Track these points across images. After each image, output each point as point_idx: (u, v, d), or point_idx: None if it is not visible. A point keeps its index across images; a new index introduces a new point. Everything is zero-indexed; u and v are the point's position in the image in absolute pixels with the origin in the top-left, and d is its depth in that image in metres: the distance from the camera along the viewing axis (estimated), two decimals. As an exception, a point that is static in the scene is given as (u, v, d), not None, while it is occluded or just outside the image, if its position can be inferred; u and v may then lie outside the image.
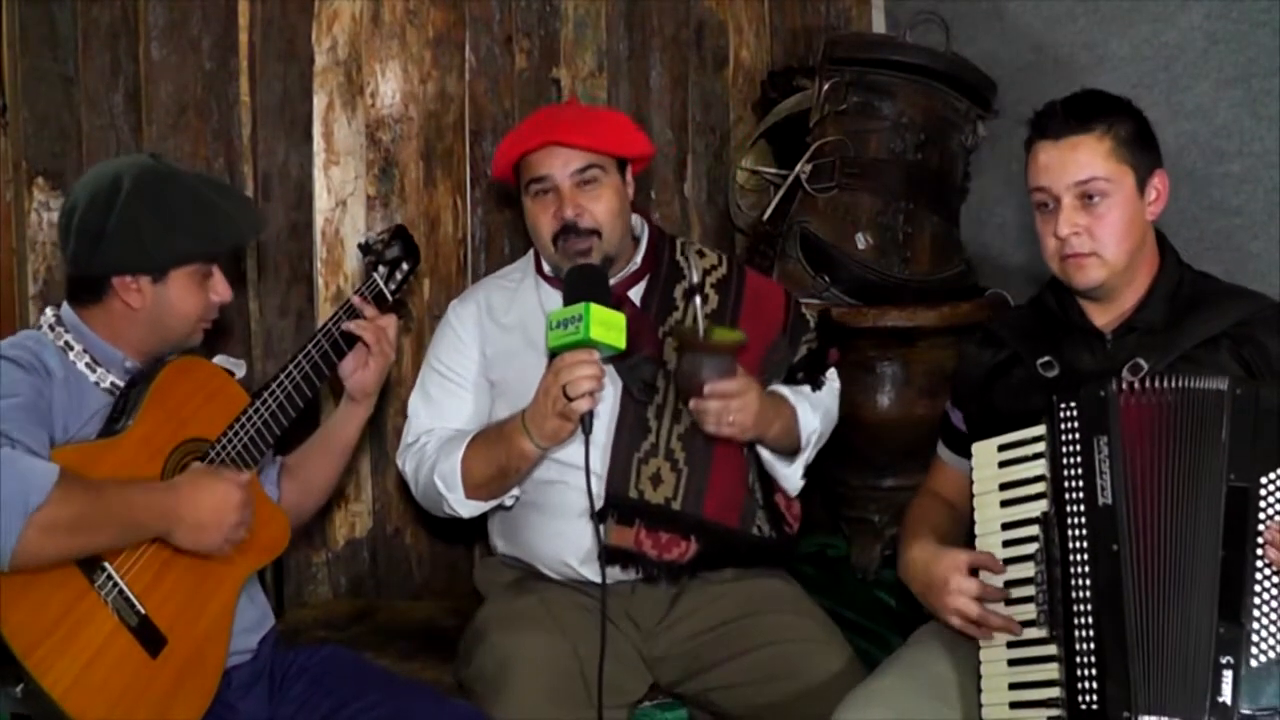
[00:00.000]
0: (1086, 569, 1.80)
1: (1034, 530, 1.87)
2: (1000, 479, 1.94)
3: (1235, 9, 2.54)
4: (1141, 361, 1.94)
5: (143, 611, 1.85)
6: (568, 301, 2.09)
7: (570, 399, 2.04)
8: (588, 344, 2.03)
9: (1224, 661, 1.71)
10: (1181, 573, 1.75)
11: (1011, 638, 1.88)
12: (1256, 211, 2.54)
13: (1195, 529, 1.76)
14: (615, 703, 2.17)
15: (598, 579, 2.14)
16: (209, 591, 1.95)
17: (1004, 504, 1.93)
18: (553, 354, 2.10)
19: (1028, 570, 1.87)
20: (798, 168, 2.91)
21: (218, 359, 2.11)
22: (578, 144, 2.27)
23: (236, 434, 2.02)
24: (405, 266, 2.35)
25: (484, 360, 2.40)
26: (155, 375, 1.95)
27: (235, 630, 2.00)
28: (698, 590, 2.31)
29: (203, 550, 1.91)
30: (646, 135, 2.55)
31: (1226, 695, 1.70)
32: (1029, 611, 1.86)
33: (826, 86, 2.91)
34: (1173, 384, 1.82)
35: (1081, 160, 1.93)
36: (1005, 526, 1.92)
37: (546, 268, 2.40)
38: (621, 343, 2.06)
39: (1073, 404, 1.85)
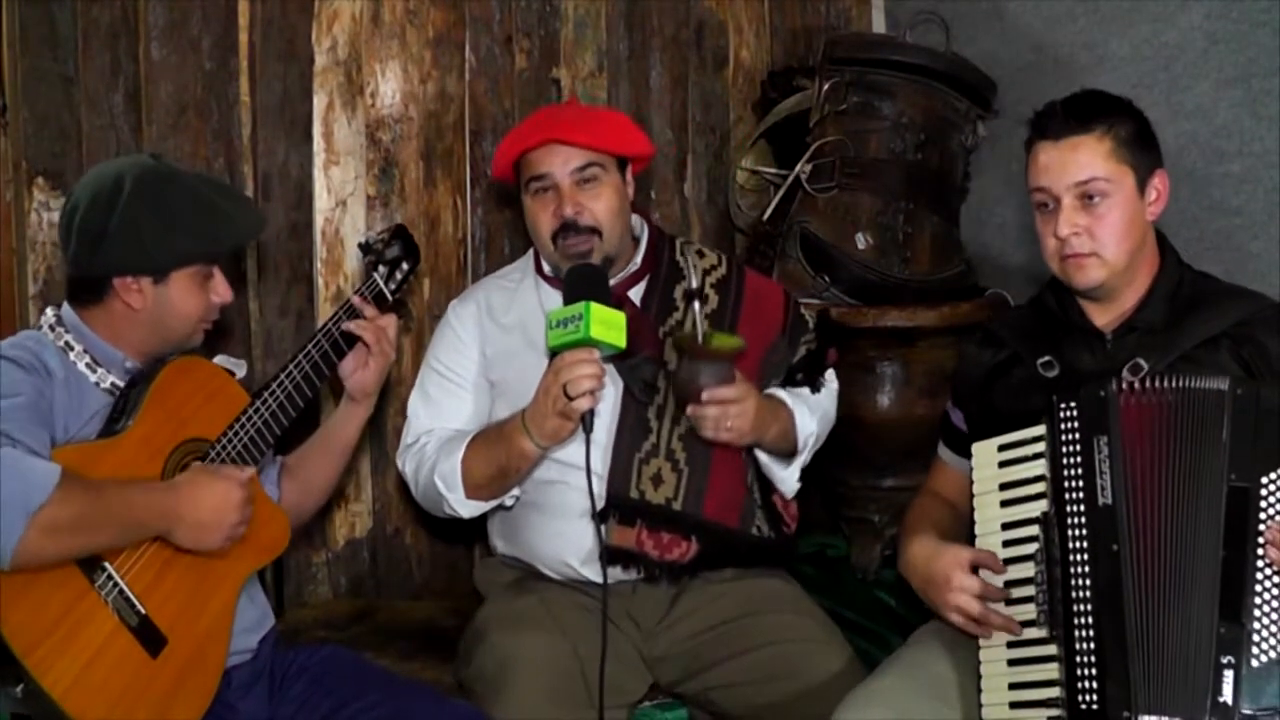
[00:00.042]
0: (1086, 569, 1.80)
1: (1034, 530, 1.87)
2: (1000, 479, 1.94)
3: (1235, 9, 2.54)
4: (1142, 361, 1.94)
5: (143, 611, 1.85)
6: (568, 301, 2.09)
7: (571, 398, 2.04)
8: (588, 343, 2.04)
9: (1225, 661, 1.71)
10: (1182, 573, 1.75)
11: (1011, 637, 1.88)
12: (1256, 211, 2.54)
13: (1196, 529, 1.76)
14: (615, 703, 2.16)
15: (598, 579, 2.14)
16: (209, 591, 1.95)
17: (1004, 504, 1.93)
18: (553, 353, 2.10)
19: (1028, 570, 1.87)
20: (798, 168, 2.91)
21: (218, 359, 2.11)
22: (578, 142, 2.27)
23: (237, 434, 2.02)
24: (405, 266, 2.35)
25: (484, 360, 2.40)
26: (155, 375, 1.95)
27: (235, 630, 2.00)
28: (698, 590, 2.31)
29: (203, 549, 1.91)
30: (646, 135, 2.55)
31: (1227, 695, 1.70)
32: (1029, 611, 1.86)
33: (826, 86, 2.91)
34: (1173, 384, 1.82)
35: (1082, 160, 1.93)
36: (1005, 526, 1.92)
37: (546, 267, 2.40)
38: (622, 342, 2.06)
39: (1073, 404, 1.85)
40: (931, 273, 2.93)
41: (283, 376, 2.11)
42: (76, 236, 1.95)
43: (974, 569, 1.93)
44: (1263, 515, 1.75)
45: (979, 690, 1.91)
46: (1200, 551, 1.75)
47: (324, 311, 2.82)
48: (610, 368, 2.18)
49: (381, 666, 2.25)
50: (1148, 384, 1.84)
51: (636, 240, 2.43)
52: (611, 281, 2.26)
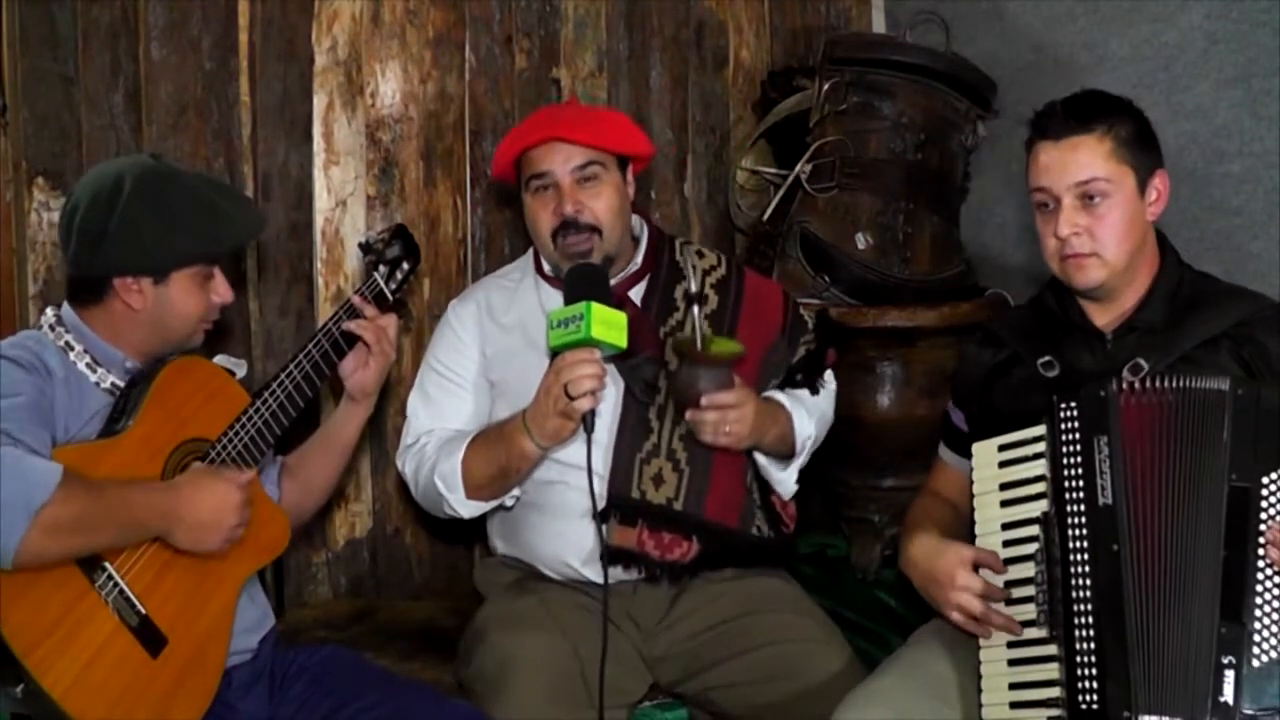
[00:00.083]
0: (1086, 569, 1.80)
1: (1034, 530, 1.88)
2: (1000, 479, 1.94)
3: (1235, 9, 2.54)
4: (1142, 361, 1.94)
5: (143, 611, 1.85)
6: (569, 301, 2.09)
7: (572, 398, 2.04)
8: (589, 343, 2.03)
9: (1226, 661, 1.71)
10: (1182, 573, 1.75)
11: (1011, 637, 1.88)
12: (1256, 211, 2.54)
13: (1196, 529, 1.76)
14: (615, 703, 2.16)
15: (599, 579, 2.14)
16: (209, 591, 1.95)
17: (1004, 504, 1.93)
18: (554, 353, 2.10)
19: (1028, 570, 1.88)
20: (798, 168, 2.91)
21: (218, 359, 2.11)
22: (579, 140, 2.27)
23: (237, 434, 2.02)
24: (406, 266, 2.35)
25: (484, 360, 2.40)
26: (155, 375, 1.95)
27: (236, 630, 2.00)
28: (698, 590, 2.31)
29: (201, 551, 1.91)
30: (647, 135, 2.55)
31: (1228, 695, 1.70)
32: (1029, 611, 1.86)
33: (826, 86, 2.91)
34: (1173, 384, 1.82)
35: (1082, 161, 1.93)
36: (1005, 526, 1.92)
37: (546, 267, 2.40)
38: (623, 342, 2.06)
39: (1073, 404, 1.85)
40: (931, 273, 2.93)
41: (283, 376, 2.11)
42: (76, 236, 1.95)
43: (975, 568, 1.93)
44: (1263, 515, 1.75)
45: (979, 690, 1.91)
46: (1201, 551, 1.76)
47: (324, 311, 2.82)
48: (611, 368, 2.18)
49: (381, 667, 2.25)
50: (1148, 384, 1.84)
51: (636, 240, 2.43)
52: (612, 281, 2.26)
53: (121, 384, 1.96)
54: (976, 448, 1.98)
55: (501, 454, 2.20)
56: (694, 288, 2.26)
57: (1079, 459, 1.83)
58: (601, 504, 2.18)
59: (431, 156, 2.95)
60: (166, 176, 2.00)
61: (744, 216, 3.22)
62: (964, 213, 3.10)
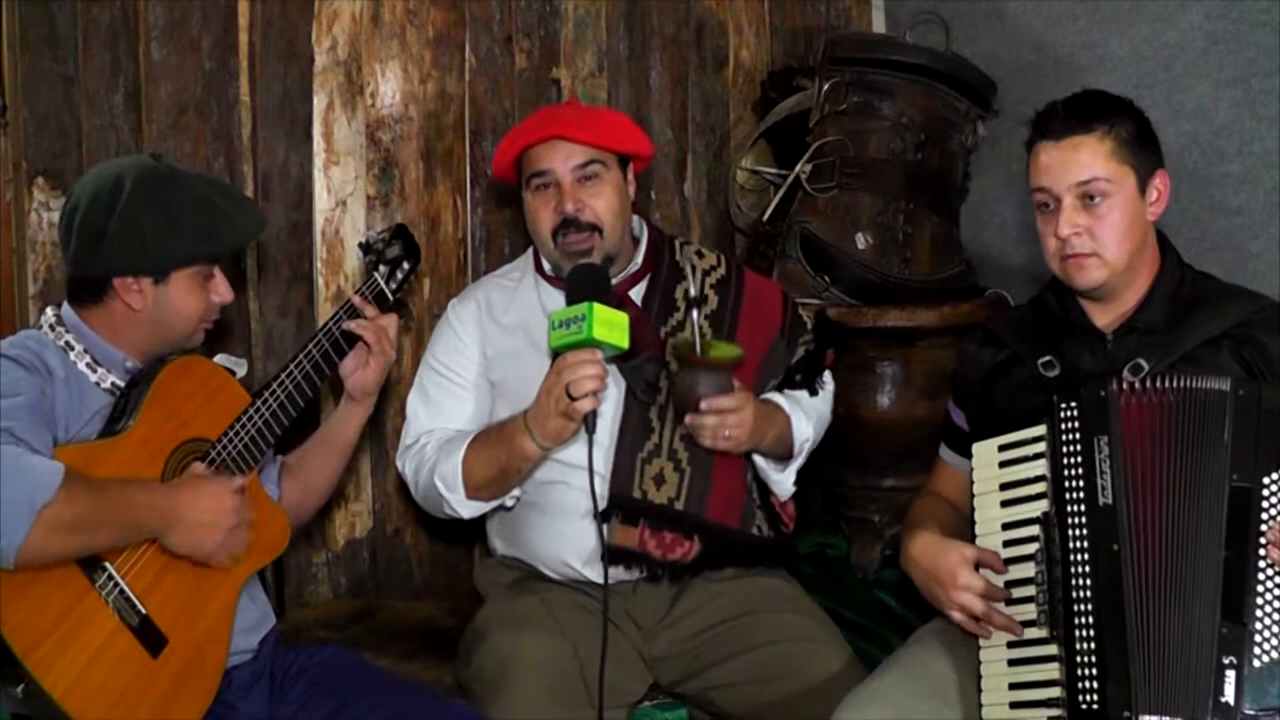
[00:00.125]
0: (1087, 569, 1.80)
1: (1034, 530, 1.88)
2: (1001, 479, 1.94)
3: (1235, 9, 2.54)
4: (1142, 362, 1.94)
5: (143, 611, 1.85)
6: (570, 301, 2.08)
7: (573, 398, 2.04)
8: (591, 344, 2.03)
9: (1227, 662, 1.71)
10: (1183, 573, 1.75)
11: (1012, 637, 1.88)
12: (1256, 211, 2.54)
13: (1197, 529, 1.76)
14: (615, 703, 2.16)
15: (600, 579, 2.14)
16: (210, 591, 1.95)
17: (1004, 504, 1.93)
18: (555, 354, 2.10)
19: (1028, 570, 1.88)
20: (798, 168, 2.91)
21: (218, 358, 2.11)
22: (580, 139, 2.27)
23: (237, 434, 2.02)
24: (406, 266, 2.35)
25: (484, 360, 2.39)
26: (156, 375, 1.95)
27: (236, 630, 2.00)
28: (698, 589, 2.31)
29: (199, 555, 1.90)
30: (647, 135, 2.55)
31: (1229, 695, 1.70)
32: (1029, 611, 1.86)
33: (826, 86, 2.91)
34: (1174, 384, 1.82)
35: (1083, 161, 1.93)
36: (1006, 526, 1.92)
37: (546, 266, 2.40)
38: (625, 342, 2.06)
39: (1073, 404, 1.85)
40: (931, 273, 2.93)
41: (283, 376, 2.11)
42: (76, 236, 1.95)
43: (976, 567, 1.93)
44: (1264, 516, 1.75)
45: (979, 690, 1.91)
46: (1201, 552, 1.75)
47: (324, 311, 2.82)
48: (612, 368, 2.18)
49: (382, 667, 2.25)
50: (1148, 384, 1.84)
51: (636, 241, 2.43)
52: (612, 281, 2.26)
53: (122, 384, 1.96)
54: (977, 448, 1.98)
55: (502, 454, 2.20)
56: (694, 291, 2.26)
57: (1079, 459, 1.83)
58: (603, 504, 2.19)
59: (431, 156, 2.95)
60: (166, 176, 2.00)
61: (744, 216, 3.22)
62: (964, 213, 3.10)
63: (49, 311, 2.00)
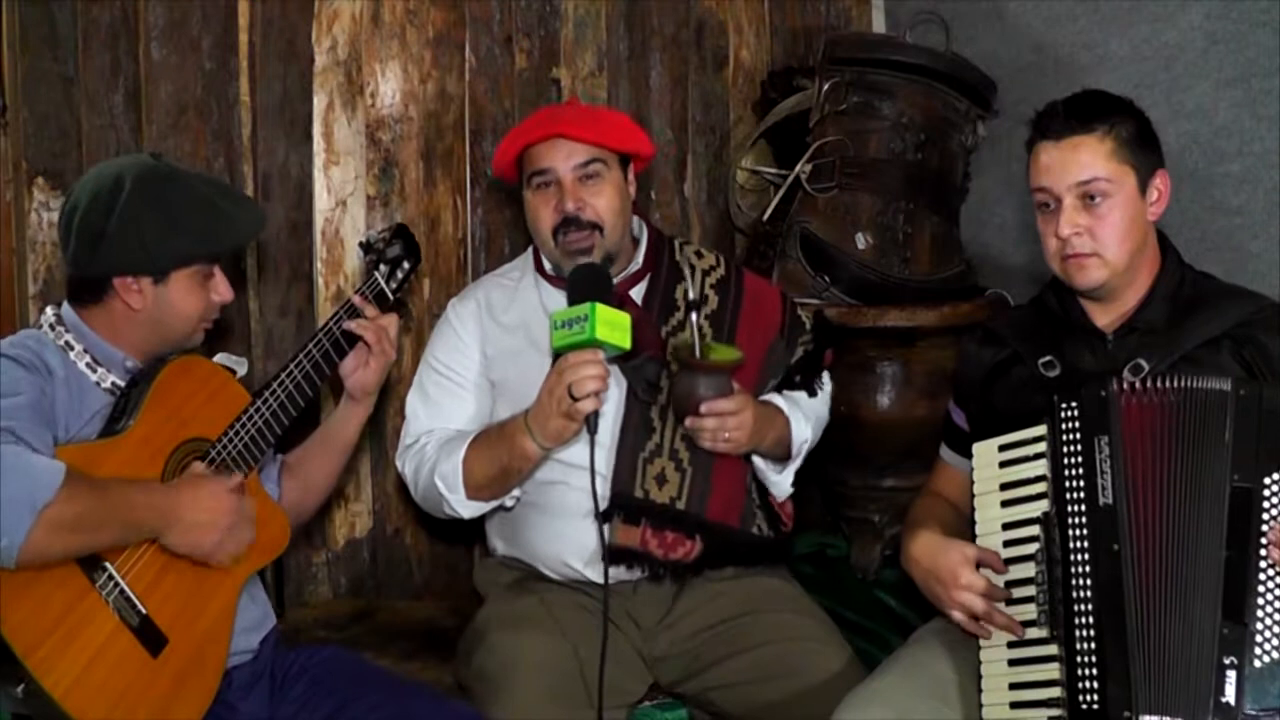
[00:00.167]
0: (1087, 569, 1.80)
1: (1035, 530, 1.87)
2: (1001, 479, 1.94)
3: (1235, 9, 2.54)
4: (1143, 362, 1.94)
5: (144, 611, 1.85)
6: (572, 301, 2.08)
7: (575, 399, 2.04)
8: (593, 344, 2.03)
9: (1228, 662, 1.71)
10: (1183, 573, 1.75)
11: (1012, 637, 1.88)
12: (1256, 211, 2.54)
13: (1197, 529, 1.76)
14: (615, 703, 2.16)
15: (601, 579, 2.14)
16: (210, 591, 1.95)
17: (1005, 504, 1.93)
18: (557, 354, 2.10)
19: (1028, 570, 1.87)
20: (798, 168, 2.91)
21: (219, 357, 2.10)
22: (581, 137, 2.28)
23: (237, 433, 2.02)
24: (406, 265, 2.35)
25: (485, 360, 2.39)
26: (156, 375, 1.95)
27: (236, 630, 2.00)
28: (698, 589, 2.31)
29: (198, 554, 1.90)
30: (647, 135, 2.55)
31: (1230, 695, 1.70)
32: (1029, 611, 1.86)
33: (826, 86, 2.91)
34: (1175, 384, 1.82)
35: (1083, 160, 1.93)
36: (1006, 526, 1.92)
37: (547, 265, 2.40)
38: (627, 343, 2.05)
39: (1074, 404, 1.85)
40: (931, 273, 2.93)
41: (283, 376, 2.11)
42: (76, 236, 1.94)
43: (977, 567, 1.93)
44: (1266, 516, 1.74)
45: (979, 690, 1.91)
46: (1202, 552, 1.75)
47: (324, 311, 2.82)
48: (613, 368, 2.18)
49: (382, 667, 2.25)
50: (1149, 384, 1.84)
51: (636, 241, 2.43)
52: (613, 281, 2.26)
53: (122, 383, 1.96)
54: (977, 448, 1.98)
55: (503, 454, 2.20)
56: (693, 295, 2.26)
57: (1079, 459, 1.83)
58: (604, 504, 2.19)
59: (431, 156, 2.95)
60: (166, 176, 2.00)
61: (744, 216, 3.22)
62: (964, 213, 3.10)
63: (49, 311, 1.99)
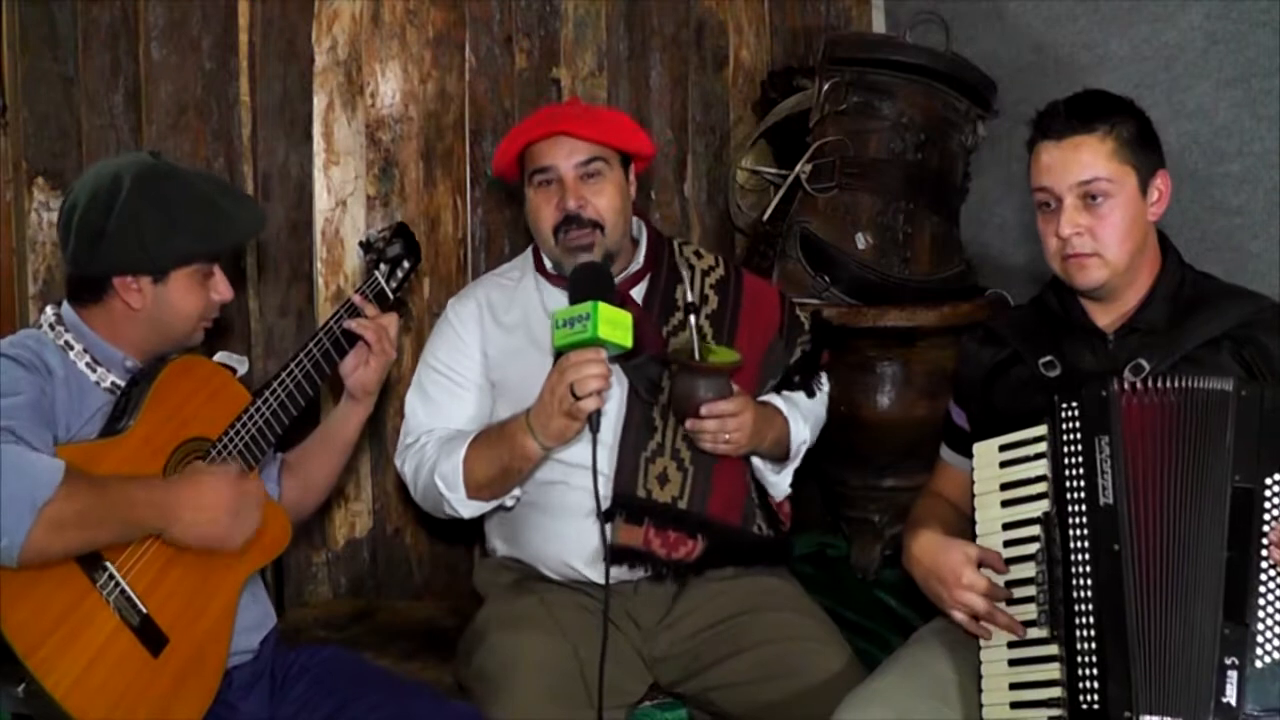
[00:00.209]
0: (1087, 569, 1.80)
1: (1035, 530, 1.87)
2: (1001, 479, 1.94)
3: (1235, 9, 2.54)
4: (1143, 362, 1.94)
5: (144, 611, 1.85)
6: (573, 300, 2.08)
7: (578, 398, 2.03)
8: (595, 343, 2.03)
9: (1229, 662, 1.71)
10: (1184, 573, 1.75)
11: (1012, 637, 1.88)
12: (1256, 211, 2.54)
13: (1198, 530, 1.76)
14: (615, 703, 2.16)
15: (602, 579, 2.13)
16: (211, 591, 1.95)
17: (1005, 504, 1.93)
18: (558, 352, 2.09)
19: (1029, 570, 1.87)
20: (798, 168, 2.91)
21: (219, 355, 2.10)
22: (584, 135, 2.28)
23: (238, 433, 2.02)
24: (406, 264, 2.34)
25: (485, 360, 2.39)
26: (157, 375, 1.95)
27: (238, 629, 2.00)
28: (698, 589, 2.31)
29: (212, 545, 1.90)
30: (647, 135, 2.55)
31: (1231, 696, 1.70)
32: (1030, 611, 1.86)
33: (826, 86, 2.91)
34: (1176, 384, 1.82)
35: (1084, 160, 1.93)
36: (1006, 526, 1.92)
37: (548, 264, 2.40)
38: (629, 341, 2.05)
39: (1074, 404, 1.85)
40: (931, 273, 2.93)
41: (284, 375, 2.11)
42: (75, 235, 1.94)
43: (978, 566, 1.93)
44: (1267, 517, 1.74)
45: (979, 690, 1.91)
46: (1203, 552, 1.75)
47: (324, 311, 2.82)
48: (615, 367, 2.18)
49: (382, 667, 2.25)
50: (1150, 384, 1.84)
51: (635, 241, 2.43)
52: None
53: (122, 383, 1.96)
54: (977, 447, 1.98)
55: (504, 454, 2.20)
56: (690, 298, 2.26)
57: (1080, 459, 1.83)
58: (606, 503, 2.19)
59: (431, 156, 2.95)
60: (165, 174, 1.99)
61: (744, 216, 3.22)
62: (964, 213, 3.10)
63: (49, 311, 1.99)
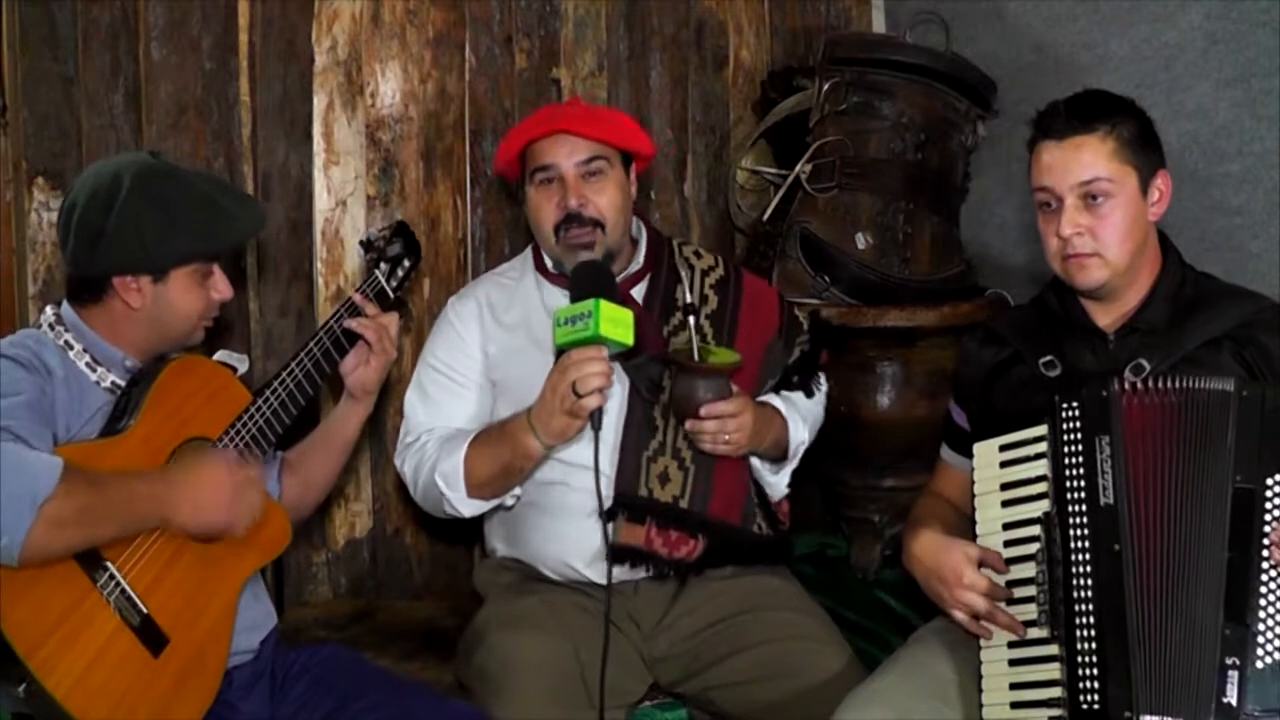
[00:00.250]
0: (1087, 569, 1.80)
1: (1035, 530, 1.87)
2: (1002, 479, 1.94)
3: (1235, 9, 2.54)
4: (1144, 362, 1.94)
5: (145, 611, 1.85)
6: (575, 298, 2.08)
7: (580, 396, 2.03)
8: (597, 341, 2.02)
9: (1230, 662, 1.71)
10: (1185, 573, 1.75)
11: (1013, 637, 1.88)
12: (1256, 211, 2.54)
13: (1199, 530, 1.76)
14: (615, 703, 2.16)
15: (603, 579, 2.13)
16: (211, 590, 1.95)
17: (1005, 504, 1.93)
18: (560, 351, 2.09)
19: (1029, 570, 1.87)
20: (798, 168, 2.91)
21: (220, 354, 2.10)
22: (585, 134, 2.28)
23: (239, 433, 2.02)
24: (406, 264, 2.35)
25: (486, 360, 2.39)
26: (157, 374, 1.95)
27: (238, 629, 2.00)
28: (698, 588, 2.31)
29: (217, 532, 1.90)
30: (647, 135, 2.56)
31: (1232, 696, 1.70)
32: (1030, 611, 1.86)
33: (826, 86, 2.91)
34: (1176, 385, 1.82)
35: (1085, 160, 1.93)
36: (1007, 526, 1.92)
37: (548, 263, 2.40)
38: (630, 339, 2.05)
39: (1075, 404, 1.85)
40: (931, 273, 2.93)
41: (284, 375, 2.11)
42: (75, 235, 1.94)
43: (979, 566, 1.93)
44: (1268, 517, 1.74)
45: (980, 690, 1.91)
46: (1204, 552, 1.75)
47: (324, 311, 2.82)
48: (616, 366, 2.18)
49: (382, 667, 2.25)
50: (1150, 384, 1.84)
51: (635, 241, 2.43)
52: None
53: (122, 383, 1.96)
54: (978, 447, 1.98)
55: (505, 453, 2.19)
56: (689, 299, 2.26)
57: (1080, 459, 1.83)
58: (608, 503, 2.19)
59: (431, 156, 2.95)
60: (165, 174, 1.99)
61: (744, 216, 3.22)
62: (964, 213, 3.10)
63: (48, 310, 1.99)
